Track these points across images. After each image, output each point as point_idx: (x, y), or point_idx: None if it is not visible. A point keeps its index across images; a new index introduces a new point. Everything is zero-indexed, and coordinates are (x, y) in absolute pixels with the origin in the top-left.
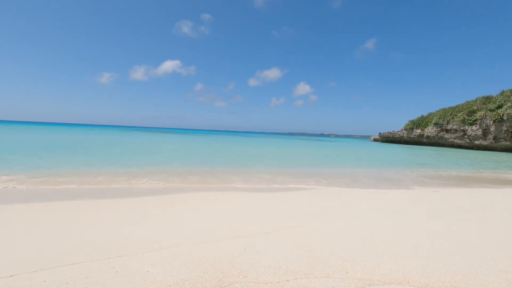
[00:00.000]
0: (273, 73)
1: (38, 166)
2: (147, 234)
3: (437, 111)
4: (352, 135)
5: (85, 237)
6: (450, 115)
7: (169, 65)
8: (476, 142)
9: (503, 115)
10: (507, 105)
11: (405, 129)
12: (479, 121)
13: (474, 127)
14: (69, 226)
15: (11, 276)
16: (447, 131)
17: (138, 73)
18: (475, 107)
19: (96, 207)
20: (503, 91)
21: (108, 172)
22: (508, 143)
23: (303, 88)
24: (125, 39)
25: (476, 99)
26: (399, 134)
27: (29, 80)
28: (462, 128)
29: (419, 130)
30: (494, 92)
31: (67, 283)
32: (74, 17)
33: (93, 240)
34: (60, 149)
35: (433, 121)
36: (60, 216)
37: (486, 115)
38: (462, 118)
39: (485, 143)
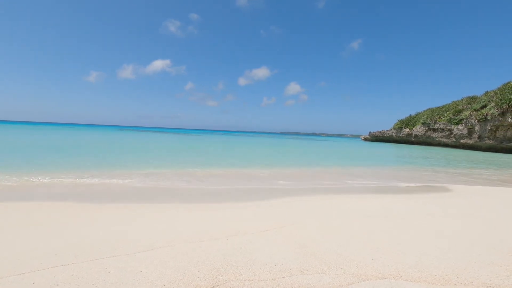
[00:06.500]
0: (262, 72)
1: (21, 166)
2: (140, 234)
3: (424, 110)
4: (343, 134)
5: (76, 238)
6: (437, 114)
7: (158, 64)
8: (461, 141)
9: (487, 114)
10: (491, 105)
11: (394, 129)
12: (465, 120)
13: (460, 127)
14: (59, 227)
15: None
16: (434, 130)
17: (127, 72)
18: (460, 107)
19: (88, 207)
20: (487, 91)
21: (101, 172)
22: (492, 142)
23: (293, 87)
24: (112, 37)
25: (462, 99)
26: (388, 134)
27: (14, 79)
28: (448, 127)
29: (407, 130)
30: (478, 92)
31: (57, 284)
32: (60, 15)
33: (84, 240)
34: (50, 149)
35: (421, 121)
36: (50, 216)
37: (471, 115)
38: (448, 117)
39: (470, 142)
